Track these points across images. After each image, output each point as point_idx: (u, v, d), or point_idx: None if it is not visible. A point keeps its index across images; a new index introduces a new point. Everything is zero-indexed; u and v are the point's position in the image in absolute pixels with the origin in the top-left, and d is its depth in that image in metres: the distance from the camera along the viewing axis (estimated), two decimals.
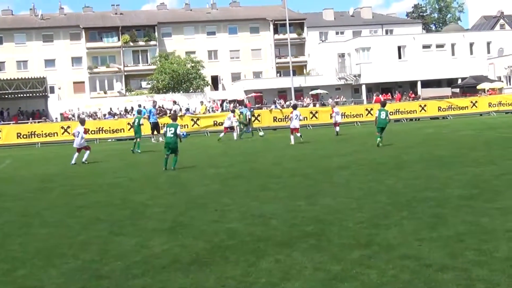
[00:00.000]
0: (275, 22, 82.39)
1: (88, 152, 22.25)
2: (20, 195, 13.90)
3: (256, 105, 57.44)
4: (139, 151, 26.15)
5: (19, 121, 46.55)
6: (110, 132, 40.63)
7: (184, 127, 39.43)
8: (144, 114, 38.93)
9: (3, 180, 17.91)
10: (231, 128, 34.00)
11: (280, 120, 42.24)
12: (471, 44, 72.13)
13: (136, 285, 6.36)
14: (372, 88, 70.28)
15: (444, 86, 70.43)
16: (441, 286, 5.72)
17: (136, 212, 10.69)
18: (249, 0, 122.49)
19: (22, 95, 52.40)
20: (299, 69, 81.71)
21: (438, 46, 71.24)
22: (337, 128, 31.83)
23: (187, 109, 53.92)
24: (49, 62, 77.46)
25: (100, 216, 10.45)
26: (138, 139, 27.05)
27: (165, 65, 70.38)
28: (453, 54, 71.39)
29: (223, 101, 62.48)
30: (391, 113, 44.54)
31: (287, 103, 56.56)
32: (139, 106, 43.40)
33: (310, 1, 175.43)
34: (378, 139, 22.10)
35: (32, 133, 39.18)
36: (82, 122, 24.04)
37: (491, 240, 7.19)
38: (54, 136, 38.76)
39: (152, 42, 79.88)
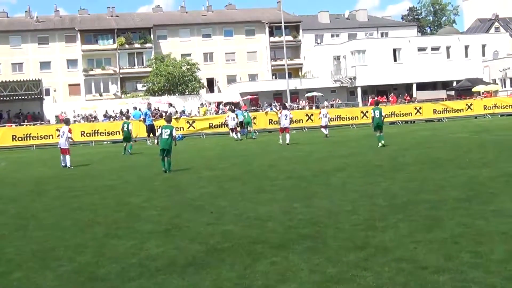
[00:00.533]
0: (271, 24, 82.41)
1: (68, 156, 21.78)
2: (16, 197, 13.88)
3: (252, 108, 57.37)
4: (129, 152, 27.15)
5: (13, 124, 46.42)
6: (105, 135, 40.56)
7: (180, 130, 39.44)
8: (139, 116, 39.05)
9: None
10: (235, 129, 34.76)
11: (276, 122, 42.15)
12: (466, 47, 72.31)
13: (132, 287, 6.36)
14: (368, 91, 70.38)
15: (440, 89, 70.61)
16: None
17: (132, 214, 10.68)
18: (245, 3, 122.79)
19: (17, 97, 52.29)
20: (295, 72, 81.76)
21: (433, 48, 71.39)
22: (326, 131, 31.78)
23: (183, 112, 53.89)
24: (45, 65, 77.34)
25: (96, 218, 10.43)
26: (129, 143, 27.92)
27: (160, 67, 70.35)
28: (448, 56, 71.55)
29: (218, 103, 62.50)
30: (386, 116, 44.96)
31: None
32: (135, 108, 43.43)
33: (305, 3, 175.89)
34: (382, 141, 22.16)
35: (28, 135, 39.08)
36: (67, 122, 24.02)
37: (486, 242, 7.21)
38: (49, 138, 38.58)
39: (148, 45, 79.82)
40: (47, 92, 69.19)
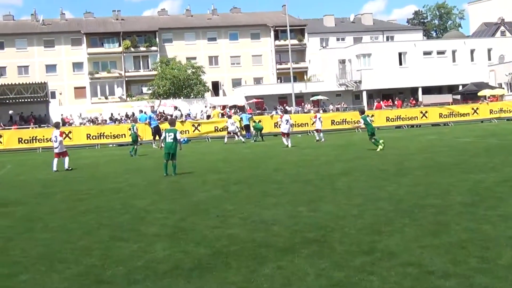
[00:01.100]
0: (276, 28, 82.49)
1: (67, 158, 22.12)
2: (22, 200, 13.90)
3: (257, 111, 57.34)
4: (135, 154, 27.86)
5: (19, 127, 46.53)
6: (111, 138, 40.64)
7: (185, 133, 39.52)
8: (145, 119, 39.14)
9: (5, 185, 17.91)
10: (234, 132, 34.80)
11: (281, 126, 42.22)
12: (472, 51, 72.15)
13: None
14: (373, 95, 70.32)
15: (445, 93, 70.47)
16: None
17: (138, 217, 10.69)
18: (250, 6, 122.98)
19: (23, 100, 52.41)
20: (300, 75, 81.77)
21: (439, 52, 71.25)
22: (320, 135, 31.87)
23: (188, 115, 53.91)
24: (50, 68, 77.60)
25: (102, 221, 10.45)
26: (135, 146, 28.49)
27: (166, 70, 70.37)
28: (454, 60, 71.41)
29: (223, 107, 62.52)
30: (392, 120, 44.96)
31: (290, 109, 56.57)
32: (140, 111, 43.51)
33: (311, 7, 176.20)
34: (381, 145, 22.37)
35: (33, 138, 39.21)
36: (57, 126, 23.84)
37: (493, 247, 7.19)
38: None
39: (153, 48, 80.00)
40: (53, 95, 69.37)
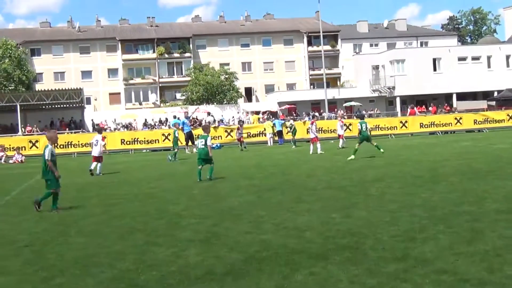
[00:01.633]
0: (309, 34, 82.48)
1: (100, 164, 22.64)
2: (58, 203, 14.06)
3: (291, 117, 57.30)
4: (174, 159, 28.22)
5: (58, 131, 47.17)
6: (145, 143, 41.00)
7: (218, 139, 39.68)
8: (178, 125, 39.43)
9: (40, 189, 18.15)
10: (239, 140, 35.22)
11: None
12: (508, 57, 71.18)
13: None
14: (407, 101, 69.78)
15: (480, 99, 69.58)
16: None
17: (171, 222, 10.76)
18: (283, 12, 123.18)
19: (59, 106, 53.21)
20: (333, 81, 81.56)
21: (473, 58, 70.45)
22: (340, 142, 31.86)
23: (221, 121, 54.16)
24: (86, 74, 78.67)
25: (136, 226, 10.55)
26: (175, 150, 29.01)
27: (199, 76, 70.82)
28: (489, 66, 70.52)
29: (257, 113, 62.63)
30: (426, 126, 44.57)
31: (323, 115, 56.51)
32: (174, 117, 43.84)
33: (344, 13, 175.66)
34: (352, 156, 22.36)
35: (69, 143, 39.75)
36: (100, 130, 25.09)
37: None
38: (90, 146, 39.18)
39: (187, 54, 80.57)
40: (88, 101, 70.31)
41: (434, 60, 69.94)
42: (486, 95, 70.40)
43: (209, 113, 58.96)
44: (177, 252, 8.28)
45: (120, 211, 12.39)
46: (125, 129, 52.82)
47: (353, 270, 6.85)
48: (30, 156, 37.32)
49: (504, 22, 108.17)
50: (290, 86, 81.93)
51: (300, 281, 6.60)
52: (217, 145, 32.94)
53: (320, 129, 38.43)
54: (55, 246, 9.19)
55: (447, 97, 69.98)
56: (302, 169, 20.28)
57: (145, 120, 59.50)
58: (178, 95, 76.96)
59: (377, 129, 43.60)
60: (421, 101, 68.84)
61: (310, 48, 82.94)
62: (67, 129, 49.90)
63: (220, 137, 41.05)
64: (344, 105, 69.22)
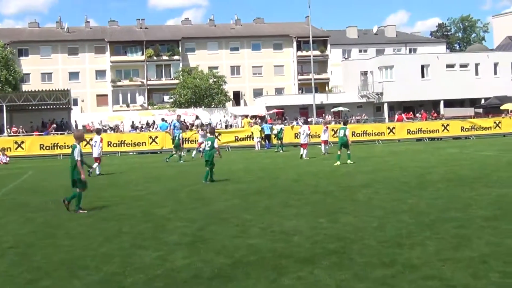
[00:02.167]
0: (299, 39, 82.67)
1: (98, 164, 22.94)
2: (43, 206, 14.02)
3: (279, 121, 57.31)
4: (182, 161, 28.54)
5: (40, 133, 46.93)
6: (132, 146, 40.84)
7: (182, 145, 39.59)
8: (166, 128, 39.34)
9: (26, 191, 18.08)
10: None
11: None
12: (495, 64, 71.75)
13: None
14: (394, 107, 70.14)
15: (467, 106, 70.03)
16: None
17: (158, 225, 10.73)
18: (273, 17, 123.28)
19: (45, 107, 52.91)
20: (321, 86, 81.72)
21: (462, 65, 70.96)
22: (326, 147, 31.07)
23: (209, 124, 54.06)
24: (73, 75, 78.41)
25: (123, 228, 10.51)
26: (178, 152, 29.26)
27: (187, 80, 70.78)
28: (477, 74, 71.05)
29: (245, 116, 62.63)
30: (413, 132, 44.72)
31: (310, 119, 56.53)
32: (162, 120, 43.72)
33: (333, 18, 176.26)
34: (338, 162, 22.59)
35: (55, 144, 39.51)
36: (99, 132, 25.41)
37: None
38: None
39: (176, 57, 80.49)
40: (75, 102, 70.00)
41: (423, 66, 70.38)
42: (473, 102, 70.88)
43: (197, 117, 58.88)
44: (164, 256, 8.25)
45: (106, 214, 12.34)
46: (112, 131, 52.58)
47: (340, 275, 6.86)
48: (15, 157, 37.10)
49: (492, 30, 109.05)
50: (279, 91, 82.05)
51: (287, 285, 6.60)
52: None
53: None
54: (41, 248, 9.13)
55: (435, 103, 70.39)
56: (290, 174, 20.28)
57: (132, 122, 59.28)
58: (166, 98, 76.82)
59: (364, 134, 43.71)
60: (409, 108, 69.23)
61: (299, 53, 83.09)
62: (53, 130, 49.55)
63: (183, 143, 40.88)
64: (332, 110, 69.40)
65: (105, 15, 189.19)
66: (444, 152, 29.48)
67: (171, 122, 39.99)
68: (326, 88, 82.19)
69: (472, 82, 69.60)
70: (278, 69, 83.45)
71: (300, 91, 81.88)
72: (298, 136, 41.48)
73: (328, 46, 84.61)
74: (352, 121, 60.26)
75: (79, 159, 12.84)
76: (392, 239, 8.73)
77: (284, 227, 10.03)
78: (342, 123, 27.30)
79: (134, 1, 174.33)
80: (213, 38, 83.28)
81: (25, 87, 71.11)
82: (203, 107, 68.27)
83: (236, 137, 42.23)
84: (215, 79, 72.16)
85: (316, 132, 38.09)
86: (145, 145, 40.56)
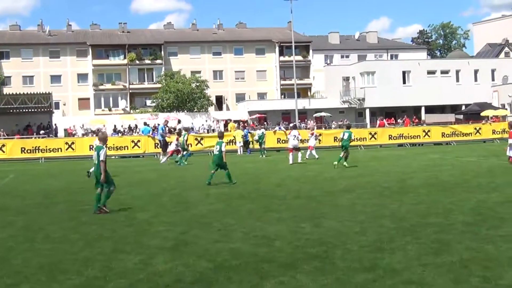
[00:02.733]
0: (281, 44, 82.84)
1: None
2: (24, 209, 13.91)
3: (261, 126, 57.38)
4: (186, 163, 29.04)
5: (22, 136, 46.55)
6: (114, 149, 40.60)
7: (188, 147, 39.45)
8: (148, 132, 39.19)
9: (7, 194, 17.92)
10: (177, 152, 30.62)
11: (284, 141, 42.10)
12: (476, 71, 72.39)
13: None
14: (376, 112, 70.48)
15: (448, 112, 70.57)
16: None
17: (140, 229, 10.69)
18: (256, 22, 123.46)
19: (27, 110, 52.47)
20: (304, 92, 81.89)
21: (442, 72, 71.51)
22: (312, 152, 30.94)
23: (192, 128, 54.00)
24: (55, 78, 77.83)
25: (104, 233, 10.45)
26: (183, 152, 29.90)
27: (170, 84, 70.64)
28: (457, 80, 71.64)
29: (227, 121, 62.64)
30: (394, 138, 44.95)
31: (291, 124, 56.61)
32: (144, 124, 43.57)
33: (316, 24, 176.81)
34: (344, 162, 23.43)
35: (36, 148, 39.20)
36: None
37: (495, 267, 7.19)
38: (58, 151, 38.79)
39: (158, 61, 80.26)
40: (57, 106, 69.52)
41: (404, 73, 70.83)
42: (454, 108, 71.43)
43: (179, 121, 58.76)
44: (146, 260, 8.23)
45: (88, 218, 12.26)
46: (94, 135, 52.26)
47: (322, 280, 6.88)
48: None
49: (473, 37, 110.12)
50: (261, 96, 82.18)
51: None
52: (188, 153, 32.64)
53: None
54: (20, 252, 9.06)
55: (416, 109, 70.82)
56: (272, 179, 20.30)
57: (115, 126, 59.03)
58: (149, 102, 76.50)
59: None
60: (391, 113, 69.59)
61: (282, 58, 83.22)
62: (34, 133, 49.17)
63: (190, 145, 40.77)
64: (314, 115, 69.59)
65: (87, 19, 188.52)
66: (425, 157, 29.66)
67: (158, 126, 39.91)
68: (308, 93, 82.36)
69: (453, 89, 70.14)
70: (261, 74, 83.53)
71: (282, 96, 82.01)
72: (280, 141, 41.75)
73: (311, 51, 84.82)
74: (334, 127, 60.46)
75: (104, 159, 12.79)
76: (374, 243, 8.78)
77: (267, 231, 10.04)
78: (345, 127, 27.88)
79: (116, 4, 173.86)
80: (195, 43, 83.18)
81: (6, 90, 70.26)
82: (185, 111, 68.17)
83: None
84: (197, 84, 72.09)
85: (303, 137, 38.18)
86: (127, 149, 40.35)
